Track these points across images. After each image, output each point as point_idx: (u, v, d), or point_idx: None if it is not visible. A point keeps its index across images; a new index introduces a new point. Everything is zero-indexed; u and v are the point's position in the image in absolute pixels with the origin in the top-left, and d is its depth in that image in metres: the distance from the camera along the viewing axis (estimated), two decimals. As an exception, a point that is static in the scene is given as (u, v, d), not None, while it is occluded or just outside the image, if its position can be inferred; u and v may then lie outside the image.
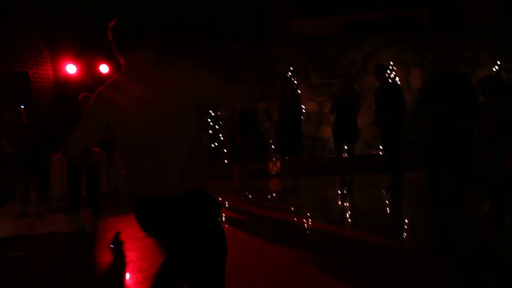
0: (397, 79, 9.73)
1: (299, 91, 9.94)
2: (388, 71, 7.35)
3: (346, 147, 7.48)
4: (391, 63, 9.84)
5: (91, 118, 2.25)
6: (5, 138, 6.62)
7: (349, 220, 6.21)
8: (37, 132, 6.94)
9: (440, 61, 5.80)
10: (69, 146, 2.30)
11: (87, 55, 9.60)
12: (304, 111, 10.00)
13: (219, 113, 10.29)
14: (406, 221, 6.01)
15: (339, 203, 7.05)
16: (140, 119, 2.10)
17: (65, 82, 9.65)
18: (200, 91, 2.15)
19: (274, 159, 9.68)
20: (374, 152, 9.64)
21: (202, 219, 2.22)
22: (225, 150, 9.40)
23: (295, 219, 6.08)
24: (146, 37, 2.24)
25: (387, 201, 6.91)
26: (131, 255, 4.95)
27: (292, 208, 6.75)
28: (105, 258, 4.94)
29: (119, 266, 4.65)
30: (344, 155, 7.63)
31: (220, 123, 10.20)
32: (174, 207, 2.15)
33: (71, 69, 9.48)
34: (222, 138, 10.13)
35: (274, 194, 7.76)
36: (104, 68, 9.72)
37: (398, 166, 7.08)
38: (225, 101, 2.53)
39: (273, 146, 9.86)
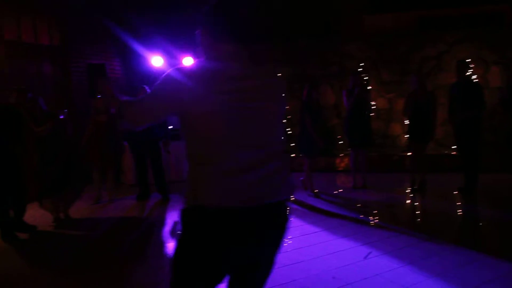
0: (474, 77, 9.31)
1: (369, 87, 9.76)
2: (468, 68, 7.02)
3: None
4: (468, 60, 9.42)
5: (166, 94, 1.92)
6: (91, 125, 6.97)
7: (418, 219, 6.05)
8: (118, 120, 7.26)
9: None
10: (134, 117, 2.04)
11: (163, 48, 9.92)
12: (374, 107, 9.81)
13: (287, 107, 10.30)
14: (479, 224, 5.77)
15: (409, 201, 6.87)
16: (240, 114, 1.86)
17: (136, 74, 10.03)
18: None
19: (342, 154, 9.58)
20: (446, 151, 9.29)
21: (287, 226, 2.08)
22: (292, 144, 9.40)
23: (363, 216, 6.00)
24: (240, 30, 2.00)
25: (459, 203, 6.65)
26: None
27: (360, 205, 6.65)
28: (172, 244, 5.10)
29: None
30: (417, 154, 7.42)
31: (288, 117, 10.20)
32: (276, 215, 1.97)
33: (155, 61, 9.73)
34: (290, 132, 10.12)
35: (341, 190, 7.69)
36: (187, 61, 9.97)
37: (475, 167, 6.79)
38: None
39: (341, 142, 9.78)
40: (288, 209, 2.04)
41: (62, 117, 6.13)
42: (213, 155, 1.85)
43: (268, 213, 1.91)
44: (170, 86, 1.90)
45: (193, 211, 1.89)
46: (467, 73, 6.98)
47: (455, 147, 7.23)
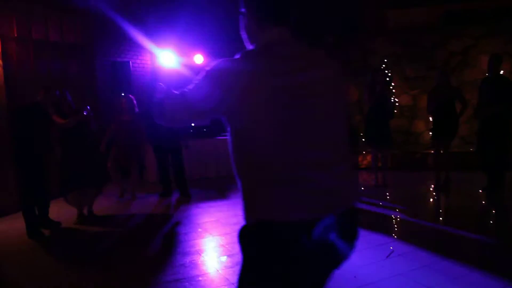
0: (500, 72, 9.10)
1: (392, 84, 9.64)
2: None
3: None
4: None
5: (212, 90, 1.62)
6: (115, 123, 7.05)
7: (442, 217, 5.96)
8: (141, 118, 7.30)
9: None
10: (174, 113, 1.76)
11: (184, 46, 9.97)
12: (397, 104, 9.68)
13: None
14: (505, 222, 5.65)
15: (432, 199, 6.78)
16: (298, 110, 1.59)
17: (162, 72, 10.07)
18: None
19: (364, 152, 9.49)
20: (471, 149, 9.12)
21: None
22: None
23: (384, 214, 5.93)
24: (289, 12, 1.77)
25: (484, 201, 6.52)
26: (221, 240, 5.10)
27: (381, 203, 6.59)
28: (194, 241, 5.13)
29: (209, 250, 4.82)
30: (441, 152, 7.30)
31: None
32: (349, 223, 1.70)
33: (175, 59, 9.77)
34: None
35: (363, 188, 7.62)
36: (199, 59, 10.02)
37: (501, 165, 6.61)
38: None
39: (363, 139, 9.70)
40: (357, 216, 1.76)
41: (85, 113, 6.21)
42: (274, 159, 1.57)
43: (341, 222, 1.63)
44: (216, 81, 1.62)
45: (258, 228, 1.62)
46: (499, 68, 6.74)
47: (478, 144, 7.02)
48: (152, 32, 10.12)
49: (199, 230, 5.58)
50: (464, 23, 9.90)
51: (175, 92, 1.79)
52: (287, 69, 1.61)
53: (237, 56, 1.66)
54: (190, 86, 1.71)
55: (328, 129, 1.65)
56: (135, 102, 7.16)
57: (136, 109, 7.17)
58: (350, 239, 1.72)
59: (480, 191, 6.80)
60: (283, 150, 1.57)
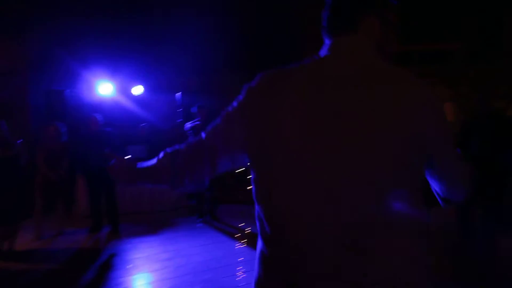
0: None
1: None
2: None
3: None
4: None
5: (235, 126, 1.32)
6: (41, 154, 6.71)
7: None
8: (70, 149, 7.00)
9: (479, 98, 5.59)
10: (189, 168, 1.40)
11: (120, 76, 9.84)
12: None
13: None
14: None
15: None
16: (331, 148, 1.15)
17: (98, 102, 9.88)
18: (419, 140, 1.19)
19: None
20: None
21: None
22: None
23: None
24: (360, 17, 1.32)
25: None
26: (150, 276, 4.96)
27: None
28: (122, 279, 4.95)
29: (138, 287, 4.66)
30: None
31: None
32: None
33: (105, 89, 9.63)
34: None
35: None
36: (137, 90, 9.92)
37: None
38: (445, 177, 1.37)
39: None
40: None
41: (16, 146, 5.91)
42: (286, 224, 1.18)
43: None
44: (239, 111, 1.31)
45: None
46: None
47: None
48: (90, 62, 9.95)
49: (129, 266, 5.39)
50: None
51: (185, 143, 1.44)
52: (336, 88, 1.20)
53: (281, 72, 1.31)
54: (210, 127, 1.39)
55: (370, 181, 1.13)
56: (63, 130, 6.86)
57: (64, 137, 6.87)
58: None
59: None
60: (296, 211, 1.17)
